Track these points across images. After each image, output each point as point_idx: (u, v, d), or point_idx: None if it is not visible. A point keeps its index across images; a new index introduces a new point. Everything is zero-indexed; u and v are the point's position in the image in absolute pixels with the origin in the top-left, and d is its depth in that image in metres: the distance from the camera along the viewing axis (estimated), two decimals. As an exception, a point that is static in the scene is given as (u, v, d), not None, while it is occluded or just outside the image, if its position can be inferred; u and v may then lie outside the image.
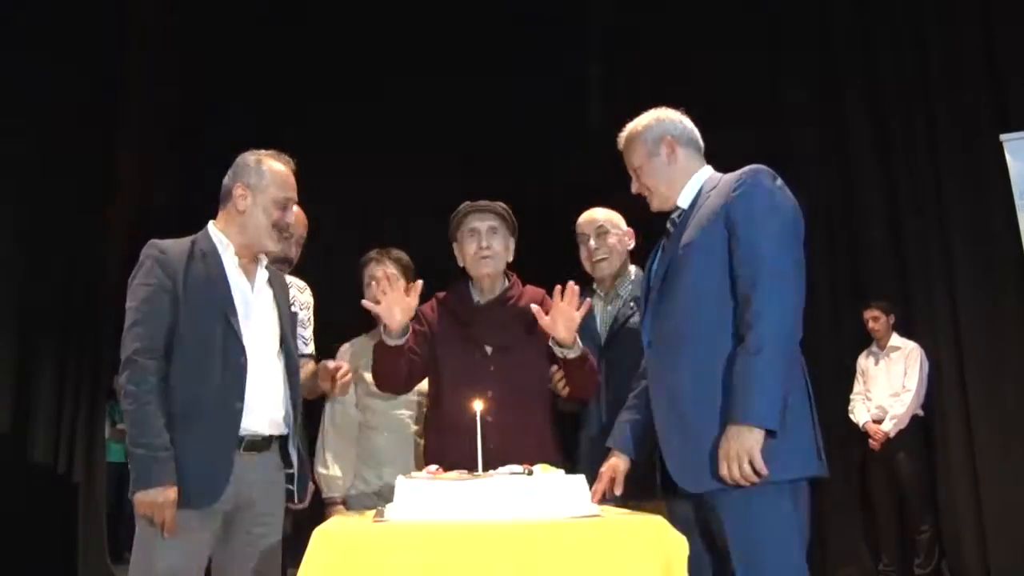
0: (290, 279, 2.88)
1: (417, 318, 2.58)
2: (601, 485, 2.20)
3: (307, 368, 2.82)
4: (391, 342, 2.40)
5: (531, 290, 2.63)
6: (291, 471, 2.31)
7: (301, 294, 2.93)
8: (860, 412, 5.33)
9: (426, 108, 6.57)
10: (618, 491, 2.19)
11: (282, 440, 2.28)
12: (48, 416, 5.72)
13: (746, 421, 1.88)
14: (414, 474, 1.94)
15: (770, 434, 1.89)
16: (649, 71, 5.87)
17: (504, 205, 2.64)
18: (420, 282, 2.37)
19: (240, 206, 2.26)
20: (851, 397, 5.42)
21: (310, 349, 2.94)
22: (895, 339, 5.32)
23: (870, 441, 5.20)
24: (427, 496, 1.80)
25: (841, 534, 5.49)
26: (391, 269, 2.90)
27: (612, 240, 2.85)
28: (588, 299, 2.44)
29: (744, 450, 1.87)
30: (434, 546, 1.69)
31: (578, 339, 2.39)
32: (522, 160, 6.38)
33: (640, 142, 2.21)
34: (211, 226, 2.30)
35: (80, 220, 5.90)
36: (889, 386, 5.25)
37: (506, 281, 2.62)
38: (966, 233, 5.02)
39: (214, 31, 6.50)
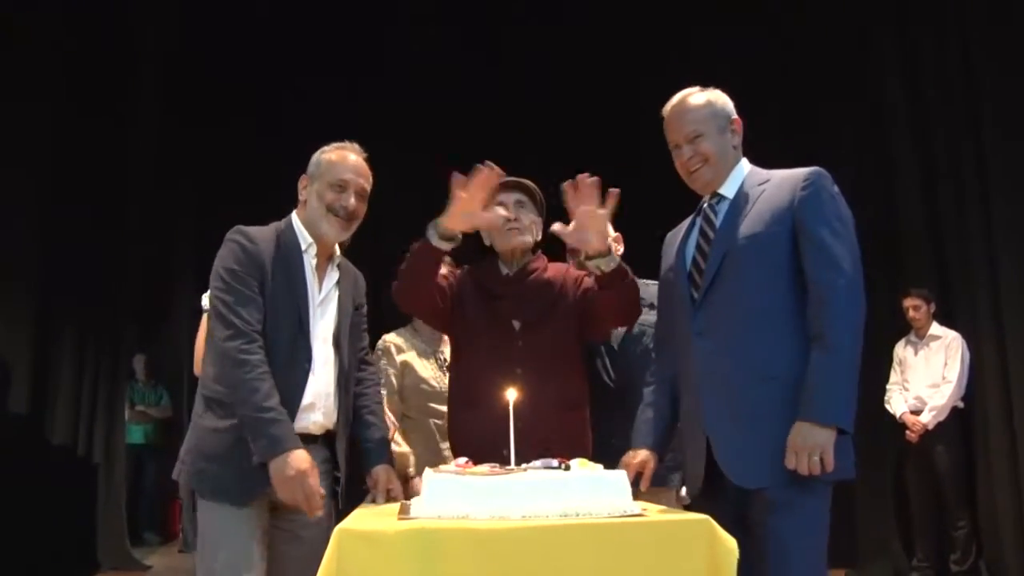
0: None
1: (450, 274, 2.51)
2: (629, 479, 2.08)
3: None
4: (436, 242, 2.16)
5: (555, 264, 2.50)
6: (338, 474, 2.24)
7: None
8: (897, 402, 5.16)
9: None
10: (644, 487, 2.11)
11: (330, 435, 2.22)
12: (67, 398, 5.68)
13: (823, 419, 1.87)
14: (442, 467, 1.81)
15: (841, 434, 1.89)
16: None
17: (532, 183, 2.49)
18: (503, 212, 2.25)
19: (302, 197, 2.24)
20: (887, 387, 5.25)
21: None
22: (935, 328, 5.14)
23: (907, 433, 5.03)
24: (456, 492, 1.68)
25: (874, 528, 5.34)
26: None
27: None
28: (614, 189, 2.14)
29: (818, 444, 1.86)
30: (463, 548, 1.56)
31: (614, 245, 2.20)
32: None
33: (711, 112, 2.12)
34: (294, 217, 2.24)
35: (98, 203, 5.85)
36: (928, 376, 5.08)
37: (531, 255, 2.50)
38: (1010, 220, 4.81)
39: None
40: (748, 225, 2.03)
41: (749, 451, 1.95)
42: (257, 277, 2.10)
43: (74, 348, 5.75)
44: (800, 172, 2.05)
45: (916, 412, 5.04)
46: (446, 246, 2.19)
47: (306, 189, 2.23)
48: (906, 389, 5.18)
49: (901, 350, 5.28)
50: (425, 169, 6.62)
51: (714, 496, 2.02)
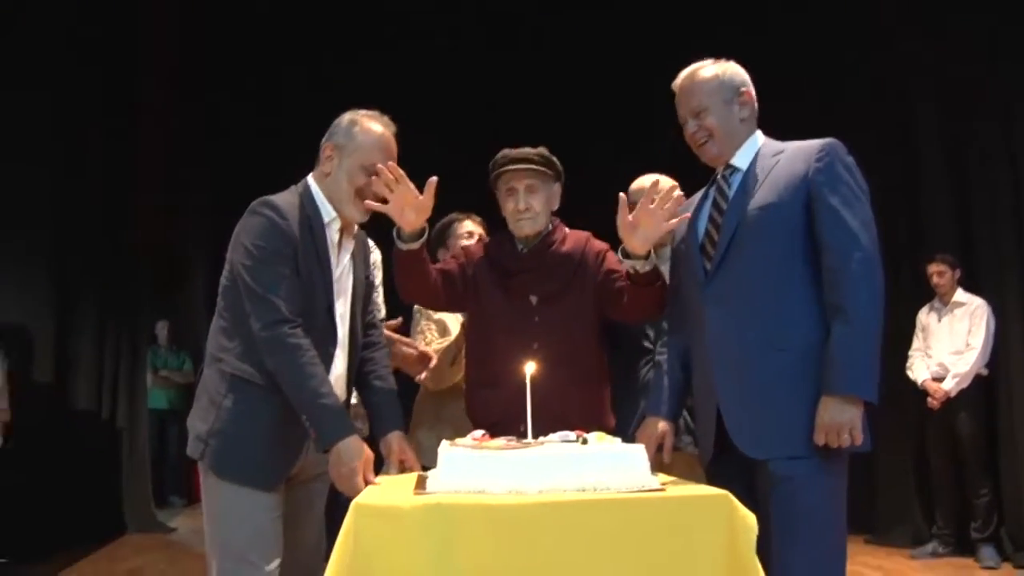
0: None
1: (461, 254, 2.45)
2: (650, 453, 2.03)
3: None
4: (404, 246, 2.17)
5: (574, 234, 2.43)
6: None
7: (371, 253, 2.76)
8: (919, 369, 5.10)
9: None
10: (667, 459, 2.10)
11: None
12: (89, 364, 5.76)
13: (851, 392, 1.87)
14: (459, 441, 1.80)
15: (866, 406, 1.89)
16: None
17: (545, 153, 2.39)
18: (435, 179, 2.07)
19: (326, 168, 2.09)
20: (910, 353, 5.19)
21: (382, 314, 2.78)
22: (959, 294, 5.06)
23: (929, 400, 4.98)
24: (472, 466, 1.66)
25: (894, 495, 5.32)
26: (478, 228, 2.89)
27: None
28: (688, 213, 2.13)
29: (847, 421, 1.86)
30: (480, 523, 1.56)
31: (653, 252, 2.14)
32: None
33: (717, 85, 2.09)
34: (313, 186, 2.10)
35: (114, 169, 5.87)
36: (951, 343, 5.00)
37: (549, 226, 2.41)
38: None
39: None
40: (762, 196, 2.01)
41: (760, 422, 1.95)
42: (291, 256, 1.99)
43: (94, 316, 5.80)
44: (815, 143, 2.02)
45: (939, 379, 4.98)
46: (416, 245, 2.17)
47: (331, 160, 2.09)
48: (929, 356, 5.11)
49: (924, 316, 5.21)
50: (440, 140, 6.66)
51: (726, 465, 2.00)
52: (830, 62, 5.80)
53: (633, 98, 6.48)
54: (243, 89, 6.89)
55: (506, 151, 2.37)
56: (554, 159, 2.39)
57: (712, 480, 2.02)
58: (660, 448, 2.10)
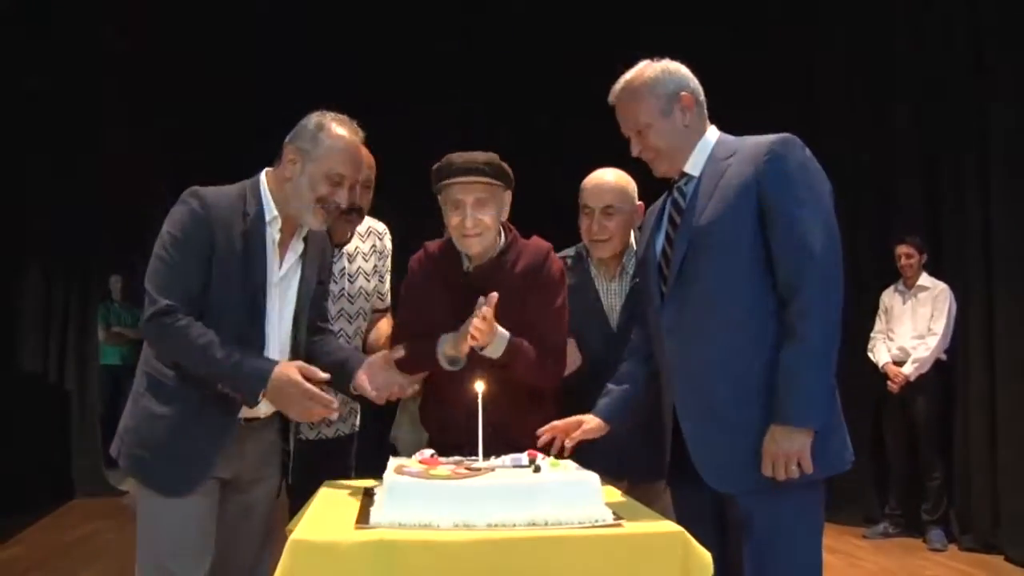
0: (369, 223, 2.62)
1: (406, 279, 2.28)
2: (559, 429, 2.03)
3: (381, 327, 2.62)
4: (445, 366, 2.16)
5: (532, 247, 2.25)
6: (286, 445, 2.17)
7: (380, 240, 2.65)
8: (880, 352, 5.11)
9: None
10: (568, 444, 2.02)
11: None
12: (36, 324, 5.57)
13: (797, 423, 1.77)
14: (406, 465, 1.71)
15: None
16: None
17: (495, 160, 2.16)
18: (495, 295, 2.06)
19: (288, 172, 2.00)
20: (872, 335, 5.20)
21: (387, 303, 2.69)
22: (924, 278, 5.05)
23: (888, 383, 5.00)
24: (418, 498, 1.58)
25: (849, 474, 5.32)
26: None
27: (615, 224, 2.45)
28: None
29: (794, 452, 1.77)
30: (424, 560, 1.49)
31: (498, 334, 2.08)
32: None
33: (651, 97, 1.94)
34: (264, 182, 2.03)
35: (73, 123, 5.63)
36: (914, 327, 5.01)
37: (501, 239, 2.21)
38: (1008, 168, 4.66)
39: None
40: (712, 209, 1.87)
41: (724, 454, 1.87)
42: (203, 249, 1.92)
43: (39, 273, 5.60)
44: (764, 142, 1.87)
45: (899, 363, 5.00)
46: (451, 368, 2.15)
47: (294, 164, 1.99)
48: (890, 339, 5.12)
49: (888, 298, 5.20)
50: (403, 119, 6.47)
51: (695, 492, 1.93)
52: (806, 44, 5.68)
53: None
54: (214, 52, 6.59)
55: (451, 157, 2.14)
56: (504, 166, 2.17)
57: (679, 508, 1.99)
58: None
